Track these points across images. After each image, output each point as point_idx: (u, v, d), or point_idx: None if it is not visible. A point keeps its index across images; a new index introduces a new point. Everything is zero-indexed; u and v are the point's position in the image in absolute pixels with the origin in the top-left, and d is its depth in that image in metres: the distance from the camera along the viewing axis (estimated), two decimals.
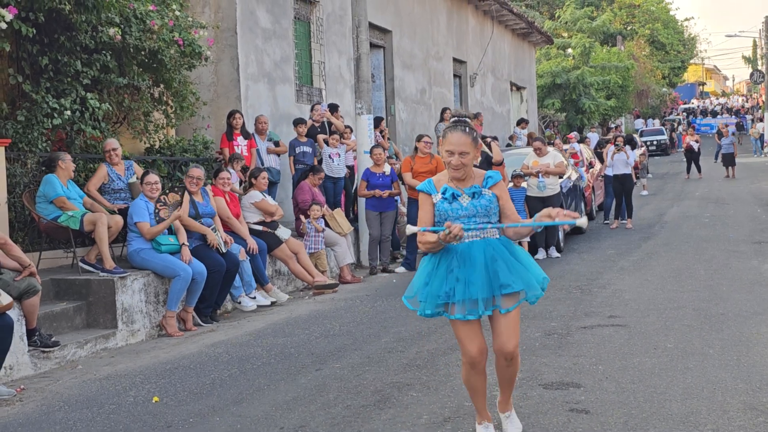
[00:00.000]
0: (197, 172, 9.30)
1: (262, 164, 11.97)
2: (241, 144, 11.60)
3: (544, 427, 4.92)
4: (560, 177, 13.63)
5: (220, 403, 5.83)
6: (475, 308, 4.42)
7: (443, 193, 4.56)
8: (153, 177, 8.80)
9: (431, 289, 4.49)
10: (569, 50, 42.82)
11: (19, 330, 6.90)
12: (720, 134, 34.41)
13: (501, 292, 4.43)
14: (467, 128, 4.49)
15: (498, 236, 4.57)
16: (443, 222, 4.48)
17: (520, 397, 5.54)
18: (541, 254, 12.94)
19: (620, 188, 16.74)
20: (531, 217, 12.60)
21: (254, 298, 9.70)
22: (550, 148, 14.32)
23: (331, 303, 9.91)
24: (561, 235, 13.60)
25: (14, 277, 6.98)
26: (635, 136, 28.80)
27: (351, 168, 13.64)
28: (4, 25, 7.82)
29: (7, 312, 6.38)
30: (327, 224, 11.58)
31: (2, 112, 8.93)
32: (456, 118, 4.56)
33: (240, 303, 9.49)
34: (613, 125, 44.60)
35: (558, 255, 13.06)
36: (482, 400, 4.73)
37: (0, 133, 8.79)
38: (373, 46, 17.07)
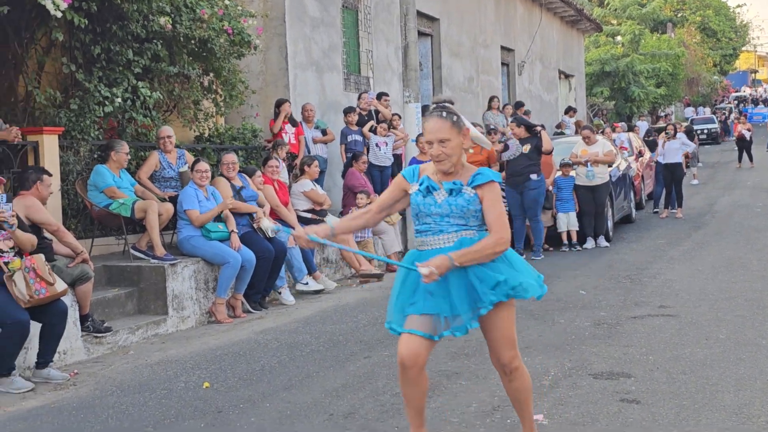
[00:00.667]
0: (231, 157, 9.37)
1: (309, 152, 12.01)
2: (288, 132, 11.65)
3: (595, 417, 4.88)
4: (609, 166, 13.47)
5: (270, 390, 5.87)
6: (438, 325, 3.96)
7: (420, 185, 4.07)
8: (203, 165, 8.87)
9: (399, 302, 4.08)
10: (618, 38, 42.31)
11: (73, 315, 7.02)
12: None
13: (480, 314, 3.96)
14: (444, 113, 4.01)
15: (476, 235, 4.01)
16: (417, 217, 4.07)
17: (570, 387, 5.51)
18: (590, 243, 12.82)
19: (670, 177, 16.52)
20: (580, 206, 12.67)
21: (306, 284, 9.75)
22: (599, 137, 14.17)
23: (378, 291, 9.92)
24: (610, 224, 13.46)
25: (68, 263, 7.09)
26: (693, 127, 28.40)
27: (398, 156, 13.62)
28: (59, 14, 7.92)
29: (61, 298, 6.49)
30: None
31: (56, 100, 9.06)
32: (434, 104, 4.08)
33: (281, 294, 9.48)
34: (662, 114, 44.00)
35: (607, 244, 12.93)
36: (414, 416, 4.17)
37: (53, 121, 8.91)
38: (420, 34, 17.00)
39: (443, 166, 4.01)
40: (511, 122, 12.85)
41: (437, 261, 3.86)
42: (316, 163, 10.91)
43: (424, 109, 14.67)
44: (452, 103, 4.09)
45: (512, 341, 4.12)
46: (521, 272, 4.05)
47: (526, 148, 12.04)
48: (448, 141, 3.97)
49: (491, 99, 17.88)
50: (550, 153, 12.43)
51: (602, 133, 17.69)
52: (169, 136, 9.50)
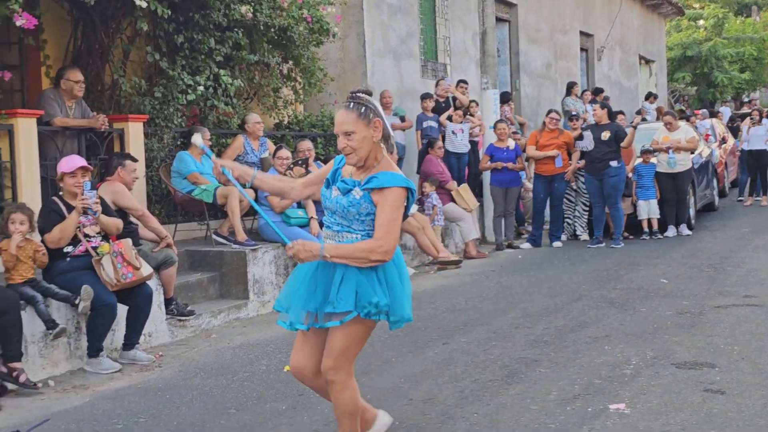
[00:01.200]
0: (306, 144, 9.40)
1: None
2: None
3: (678, 407, 4.81)
4: (692, 153, 13.18)
5: None
6: (299, 320, 3.91)
7: (331, 174, 3.96)
8: (285, 152, 8.98)
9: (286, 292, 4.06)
10: (701, 21, 41.24)
11: (157, 299, 7.18)
12: None
13: (324, 310, 3.83)
14: (352, 104, 3.77)
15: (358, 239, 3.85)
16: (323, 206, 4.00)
17: (652, 376, 5.43)
18: (671, 231, 12.58)
19: (755, 164, 16.10)
20: (661, 194, 12.42)
21: None
22: (681, 123, 13.86)
23: (456, 278, 9.91)
24: (692, 212, 13.19)
25: (152, 248, 7.27)
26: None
27: (476, 143, 13.54)
28: (143, 4, 8.10)
29: (146, 282, 6.65)
30: (452, 199, 11.57)
31: (141, 88, 9.26)
32: (348, 96, 3.86)
33: None
34: (746, 99, 42.83)
35: (689, 232, 12.67)
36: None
37: (138, 109, 9.12)
38: (498, 20, 16.86)
39: (351, 160, 3.81)
40: (595, 105, 12.67)
41: (309, 245, 3.74)
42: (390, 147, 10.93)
43: (503, 95, 14.59)
44: (369, 94, 3.85)
45: (343, 351, 3.88)
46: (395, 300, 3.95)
47: (606, 135, 11.86)
48: (353, 133, 3.73)
49: (572, 85, 17.63)
50: (626, 148, 12.23)
51: (687, 120, 17.31)
52: (258, 122, 9.67)
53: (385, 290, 3.90)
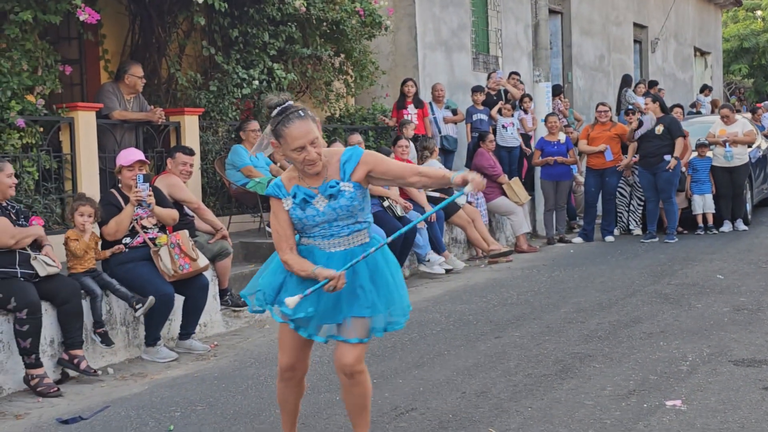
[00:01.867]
0: (356, 138, 9.44)
1: (440, 132, 12.04)
2: (411, 113, 11.66)
3: (736, 405, 4.75)
4: (749, 146, 12.97)
5: (402, 366, 5.95)
6: (306, 326, 3.90)
7: (293, 198, 3.81)
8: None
9: (266, 280, 4.06)
10: (759, 12, 40.45)
11: (213, 290, 7.28)
12: None
13: (350, 314, 3.83)
14: (302, 112, 3.72)
15: (367, 240, 3.91)
16: (299, 231, 3.89)
17: (709, 373, 5.37)
18: (727, 226, 12.40)
19: None
20: (717, 188, 12.24)
21: (428, 260, 9.80)
22: (738, 116, 13.63)
23: (507, 272, 9.89)
24: (749, 207, 12.98)
25: (208, 240, 7.37)
26: None
27: (528, 137, 13.45)
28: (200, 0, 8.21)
29: (202, 273, 6.75)
30: (504, 193, 11.54)
31: (196, 82, 9.39)
32: (278, 108, 3.73)
33: (428, 261, 9.61)
34: None
35: (745, 228, 12.48)
36: (288, 420, 4.33)
37: (194, 102, 9.25)
38: (550, 12, 16.71)
39: (317, 168, 3.76)
40: (647, 98, 12.51)
41: (473, 175, 3.75)
42: (433, 141, 10.94)
43: (554, 88, 14.47)
44: (281, 104, 3.77)
45: (362, 349, 3.90)
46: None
47: (659, 129, 11.71)
48: (316, 139, 3.71)
49: (625, 78, 17.52)
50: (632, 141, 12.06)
51: (753, 112, 17.03)
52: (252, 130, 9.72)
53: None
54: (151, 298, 6.21)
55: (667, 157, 11.63)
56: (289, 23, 9.77)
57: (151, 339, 6.49)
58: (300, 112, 3.71)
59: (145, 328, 6.51)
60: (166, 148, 8.33)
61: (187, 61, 9.76)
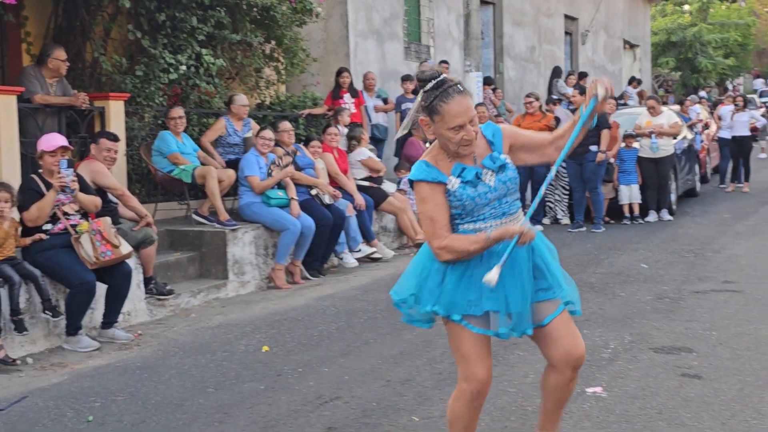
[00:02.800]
0: (269, 134, 9.14)
1: (370, 121, 12.02)
2: (347, 102, 11.63)
3: (654, 391, 4.84)
4: (674, 138, 13.22)
5: (328, 355, 5.93)
6: (508, 323, 3.42)
7: (460, 175, 3.35)
8: (268, 133, 8.92)
9: (448, 290, 3.40)
10: (686, 6, 41.33)
11: (137, 278, 7.15)
12: None
13: (539, 299, 3.43)
14: (461, 87, 3.32)
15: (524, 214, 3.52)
16: (465, 215, 3.38)
17: (630, 360, 5.46)
18: (652, 216, 12.63)
19: (738, 150, 16.17)
20: (643, 179, 12.45)
21: (359, 250, 9.78)
22: (664, 108, 13.88)
23: None
24: (673, 197, 13.24)
25: (132, 227, 7.23)
26: (755, 97, 27.73)
27: None
28: None
29: (125, 260, 6.62)
30: None
31: (122, 67, 9.20)
32: (433, 81, 3.30)
33: (342, 259, 9.57)
34: (730, 85, 43.01)
35: (670, 218, 12.73)
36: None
37: (119, 87, 9.06)
38: (482, 2, 16.84)
39: (472, 149, 3.35)
40: (575, 90, 12.65)
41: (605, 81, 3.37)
42: (360, 130, 10.91)
43: (485, 79, 14.57)
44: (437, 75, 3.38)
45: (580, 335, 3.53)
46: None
47: None
48: (475, 117, 3.31)
49: (556, 69, 17.73)
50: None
51: (681, 104, 17.38)
52: (244, 105, 9.60)
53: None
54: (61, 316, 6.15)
55: (593, 148, 11.77)
56: (219, 8, 9.63)
57: (72, 328, 6.35)
58: (459, 86, 3.30)
59: (66, 316, 6.36)
60: (90, 134, 8.14)
61: (113, 45, 9.56)
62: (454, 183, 3.35)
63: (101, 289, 6.51)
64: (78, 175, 6.53)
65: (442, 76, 3.31)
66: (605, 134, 11.84)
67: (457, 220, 3.41)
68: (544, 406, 3.71)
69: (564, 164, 12.29)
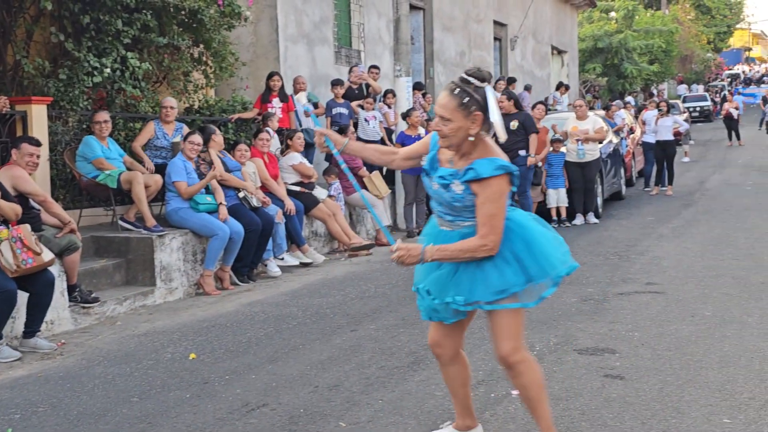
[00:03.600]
0: (197, 138, 9.03)
1: (300, 125, 11.97)
2: (276, 106, 11.57)
3: (578, 392, 4.91)
4: (600, 142, 13.47)
5: (256, 361, 5.89)
6: (434, 312, 3.85)
7: (428, 159, 3.79)
8: (197, 138, 8.82)
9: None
10: (612, 13, 42.16)
11: (60, 286, 7.01)
12: (765, 101, 34.00)
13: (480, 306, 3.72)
14: (458, 89, 3.53)
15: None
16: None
17: (555, 362, 5.54)
18: (579, 220, 12.85)
19: (662, 154, 16.53)
20: (570, 183, 12.66)
21: (282, 259, 9.71)
22: (590, 113, 14.13)
23: (366, 265, 9.94)
24: (600, 200, 13.49)
25: (55, 233, 7.08)
26: (678, 102, 28.40)
27: (390, 131, 13.57)
28: None
29: (48, 268, 6.48)
30: (364, 186, 11.59)
31: (44, 70, 9.00)
32: (462, 75, 3.59)
33: (266, 266, 9.50)
34: (655, 91, 43.99)
35: (596, 221, 12.96)
36: (455, 401, 4.16)
37: (42, 91, 8.86)
38: (412, 7, 16.93)
39: (444, 143, 3.62)
40: (502, 95, 12.77)
41: (413, 249, 3.61)
42: (299, 135, 10.87)
43: (416, 84, 14.64)
44: (488, 77, 3.59)
45: (516, 332, 3.74)
46: (536, 257, 3.68)
47: (514, 124, 11.97)
48: (449, 121, 3.53)
49: (498, 80, 17.97)
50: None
51: (607, 109, 17.70)
52: (171, 107, 9.48)
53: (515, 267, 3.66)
54: None
55: (522, 152, 11.93)
56: (145, 11, 9.50)
57: None
58: (456, 89, 3.55)
59: None
60: (12, 139, 7.95)
61: (35, 48, 9.35)
62: (424, 159, 3.81)
63: (22, 297, 6.36)
64: None
65: (467, 78, 3.57)
66: (533, 138, 12.01)
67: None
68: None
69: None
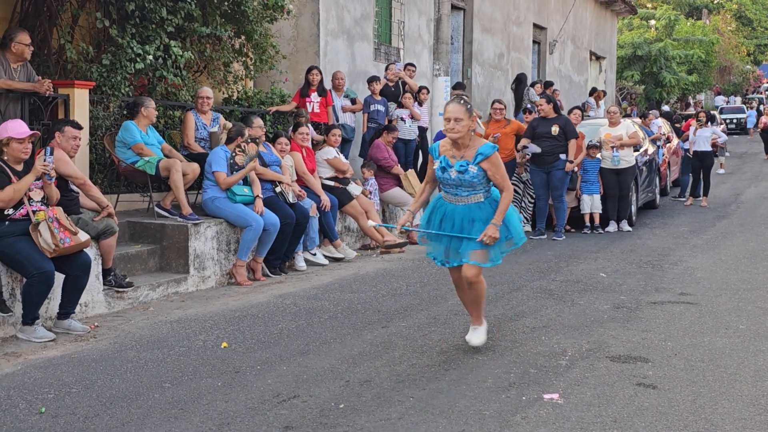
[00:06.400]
0: (258, 121, 9.26)
1: (337, 121, 11.99)
2: (314, 101, 11.60)
3: (610, 399, 4.88)
4: (635, 149, 13.35)
5: (287, 353, 5.91)
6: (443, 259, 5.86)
7: (440, 163, 5.72)
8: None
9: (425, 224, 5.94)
10: (652, 21, 41.87)
11: (96, 269, 7.07)
12: None
13: (468, 248, 5.66)
14: (462, 101, 5.63)
15: (483, 200, 5.72)
16: (441, 182, 5.81)
17: (587, 368, 5.51)
18: (612, 227, 12.76)
19: (699, 165, 16.37)
20: (604, 189, 12.58)
21: (314, 254, 9.72)
22: (624, 119, 14.00)
23: (398, 262, 9.94)
24: (633, 209, 13.39)
25: (93, 217, 7.15)
26: (715, 113, 28.11)
27: (424, 129, 13.56)
28: None
29: (84, 250, 6.54)
30: (399, 184, 11.59)
31: (88, 55, 9.09)
32: (455, 95, 5.73)
33: (294, 260, 9.51)
34: (692, 101, 43.57)
35: (629, 229, 12.87)
36: (469, 310, 6.09)
37: (85, 75, 8.95)
38: (453, 7, 16.90)
39: (454, 135, 5.60)
40: (541, 98, 12.72)
41: (491, 231, 5.56)
42: (336, 131, 10.87)
43: (456, 85, 14.61)
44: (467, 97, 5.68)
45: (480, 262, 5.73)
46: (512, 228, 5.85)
47: (555, 129, 11.91)
48: (461, 120, 5.56)
49: (535, 83, 17.91)
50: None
51: (644, 117, 17.55)
52: (208, 97, 9.55)
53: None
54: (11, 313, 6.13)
55: (563, 156, 11.86)
56: (189, 0, 9.55)
57: (29, 318, 6.26)
58: (461, 100, 5.75)
59: (22, 306, 6.27)
60: (53, 121, 8.03)
61: (80, 33, 9.44)
62: (435, 163, 5.81)
63: (59, 279, 6.42)
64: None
65: (462, 95, 6.04)
66: (573, 144, 11.94)
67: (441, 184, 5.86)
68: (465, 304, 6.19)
69: (530, 171, 12.36)
